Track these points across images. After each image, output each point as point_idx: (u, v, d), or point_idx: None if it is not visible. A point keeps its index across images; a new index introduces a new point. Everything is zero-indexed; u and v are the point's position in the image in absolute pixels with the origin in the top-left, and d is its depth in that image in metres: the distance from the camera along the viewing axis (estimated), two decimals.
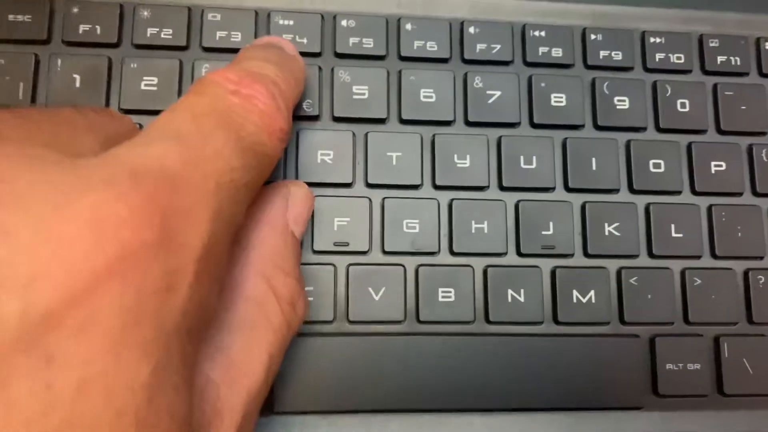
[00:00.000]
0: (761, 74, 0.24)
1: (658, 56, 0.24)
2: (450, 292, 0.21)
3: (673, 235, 0.22)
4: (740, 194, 0.23)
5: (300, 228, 0.18)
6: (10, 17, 0.20)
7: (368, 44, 0.22)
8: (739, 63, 0.24)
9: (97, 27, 0.21)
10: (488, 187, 0.22)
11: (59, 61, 0.20)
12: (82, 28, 0.21)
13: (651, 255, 0.22)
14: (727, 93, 0.24)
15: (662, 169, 0.23)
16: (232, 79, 0.15)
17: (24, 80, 0.20)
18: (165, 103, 0.20)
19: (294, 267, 0.17)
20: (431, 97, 0.22)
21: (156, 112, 0.20)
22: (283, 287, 0.16)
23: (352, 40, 0.22)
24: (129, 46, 0.21)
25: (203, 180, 0.12)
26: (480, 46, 0.23)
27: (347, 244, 0.21)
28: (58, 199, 0.10)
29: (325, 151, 0.21)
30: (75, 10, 0.21)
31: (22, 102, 0.20)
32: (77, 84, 0.20)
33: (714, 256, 0.23)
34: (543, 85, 0.23)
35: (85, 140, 0.14)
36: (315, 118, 0.21)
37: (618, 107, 0.23)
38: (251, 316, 0.15)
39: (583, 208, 0.22)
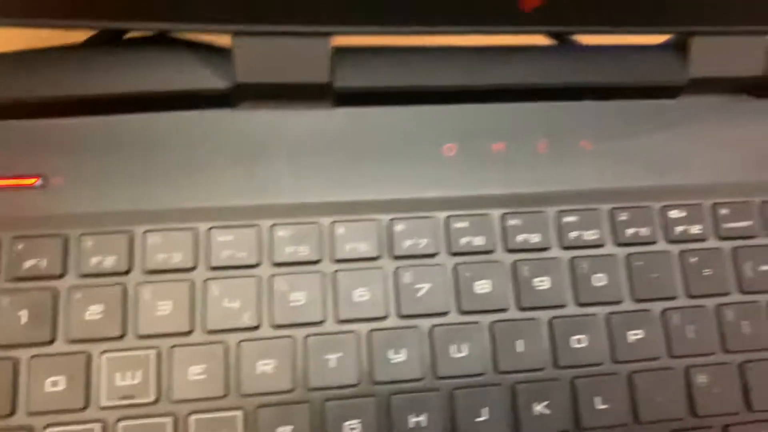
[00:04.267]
0: (668, 241, 0.28)
1: (573, 234, 0.27)
2: None
3: (599, 407, 0.26)
4: (658, 358, 0.27)
5: None
6: None
7: (303, 253, 0.25)
8: (647, 233, 0.28)
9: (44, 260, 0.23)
10: (424, 378, 0.25)
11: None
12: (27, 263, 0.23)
13: (580, 429, 0.26)
14: (638, 263, 0.28)
15: (584, 344, 0.26)
16: None
17: None
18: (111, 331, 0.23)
19: None
20: (364, 296, 0.25)
21: (103, 340, 0.23)
22: None
23: (288, 248, 0.25)
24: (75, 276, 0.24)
25: None
26: (407, 243, 0.26)
27: None
28: None
29: (266, 360, 0.24)
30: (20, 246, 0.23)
31: None
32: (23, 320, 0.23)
33: (638, 421, 0.26)
34: (468, 274, 0.26)
35: None
36: (255, 328, 0.24)
37: (539, 288, 0.27)
38: None
39: (512, 389, 0.26)
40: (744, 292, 0.28)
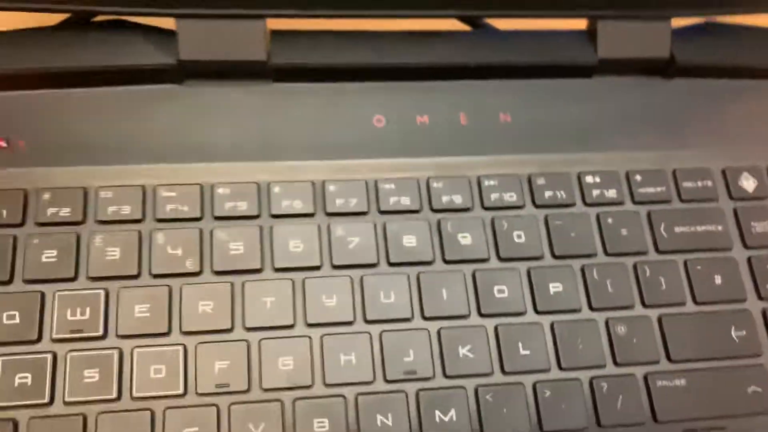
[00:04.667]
0: (585, 204, 0.31)
1: (493, 196, 0.30)
2: (324, 421, 0.25)
3: (522, 352, 0.28)
4: (578, 310, 0.29)
5: None
6: None
7: (241, 208, 0.28)
8: (564, 196, 0.31)
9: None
10: (354, 321, 0.27)
11: None
12: None
13: (504, 372, 0.27)
14: (557, 222, 0.30)
15: (506, 294, 0.29)
16: None
17: None
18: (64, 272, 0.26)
19: None
20: (299, 247, 0.28)
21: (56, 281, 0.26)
22: None
23: (228, 204, 0.28)
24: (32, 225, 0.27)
25: None
26: (339, 201, 0.29)
27: (228, 386, 0.25)
28: None
29: (206, 301, 0.26)
30: None
31: None
32: None
33: (560, 368, 0.28)
34: (396, 228, 0.29)
35: None
36: (197, 274, 0.27)
37: (462, 243, 0.29)
38: None
39: (438, 333, 0.28)
40: (660, 252, 0.31)
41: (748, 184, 0.33)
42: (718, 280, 0.30)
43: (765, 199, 0.32)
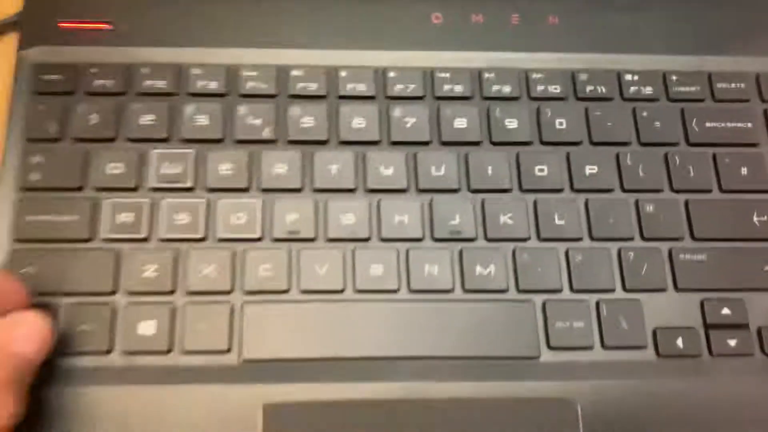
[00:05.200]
0: (623, 99, 0.34)
1: (539, 88, 0.33)
2: (379, 266, 0.29)
3: (557, 222, 0.31)
4: (611, 190, 0.32)
5: (26, 348, 0.22)
6: None
7: (312, 88, 0.32)
8: (604, 91, 0.34)
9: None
10: (408, 189, 0.31)
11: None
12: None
13: (539, 238, 0.31)
14: (596, 113, 0.33)
15: (546, 173, 0.32)
16: None
17: None
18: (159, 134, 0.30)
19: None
20: (362, 124, 0.32)
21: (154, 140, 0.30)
22: None
23: (300, 84, 0.32)
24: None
25: None
26: (398, 86, 0.32)
27: (299, 233, 0.29)
28: None
29: (281, 165, 0.30)
30: None
31: None
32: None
33: (592, 238, 0.31)
34: (449, 112, 0.32)
35: None
36: (274, 141, 0.31)
37: (509, 127, 0.32)
38: None
39: (482, 203, 0.31)
40: (691, 144, 0.33)
41: None
42: (744, 171, 0.33)
43: None
